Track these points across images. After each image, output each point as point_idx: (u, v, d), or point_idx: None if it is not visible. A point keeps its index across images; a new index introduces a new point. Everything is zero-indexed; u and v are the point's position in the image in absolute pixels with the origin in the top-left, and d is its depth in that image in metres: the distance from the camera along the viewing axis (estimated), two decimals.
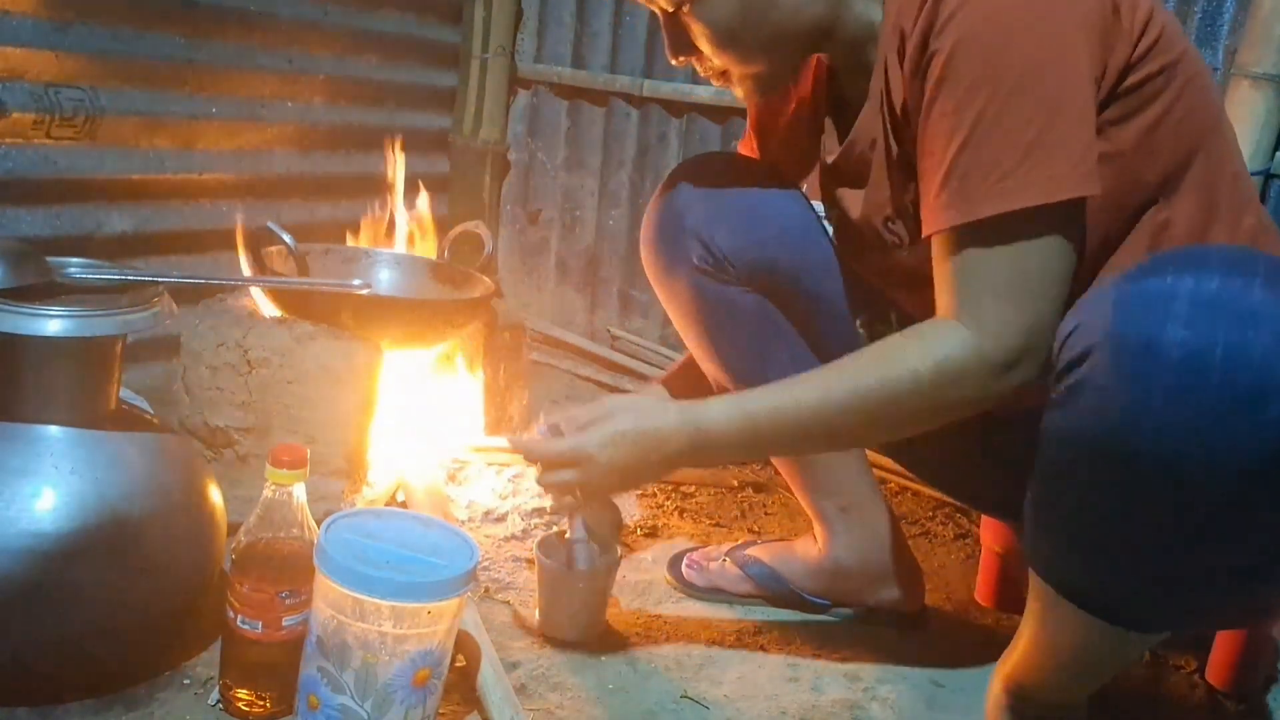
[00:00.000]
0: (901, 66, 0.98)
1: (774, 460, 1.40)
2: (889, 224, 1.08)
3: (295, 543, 0.97)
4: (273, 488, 0.96)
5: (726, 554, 1.39)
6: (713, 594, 1.37)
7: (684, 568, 1.40)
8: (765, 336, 1.26)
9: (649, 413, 1.04)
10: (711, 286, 1.24)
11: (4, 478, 0.92)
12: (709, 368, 1.31)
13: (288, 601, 0.96)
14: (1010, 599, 1.38)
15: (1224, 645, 1.26)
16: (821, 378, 0.99)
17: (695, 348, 1.31)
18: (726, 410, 1.01)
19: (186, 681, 1.03)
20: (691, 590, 1.38)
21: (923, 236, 0.96)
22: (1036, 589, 0.96)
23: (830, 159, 1.15)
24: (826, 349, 1.19)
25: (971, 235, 0.91)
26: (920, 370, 0.93)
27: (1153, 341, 0.77)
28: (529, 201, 2.50)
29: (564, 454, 1.05)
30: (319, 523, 0.97)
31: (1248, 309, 0.75)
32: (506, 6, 2.39)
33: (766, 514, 1.68)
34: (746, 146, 1.32)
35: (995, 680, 1.07)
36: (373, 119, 2.22)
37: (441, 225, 1.85)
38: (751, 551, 1.38)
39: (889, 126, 1.03)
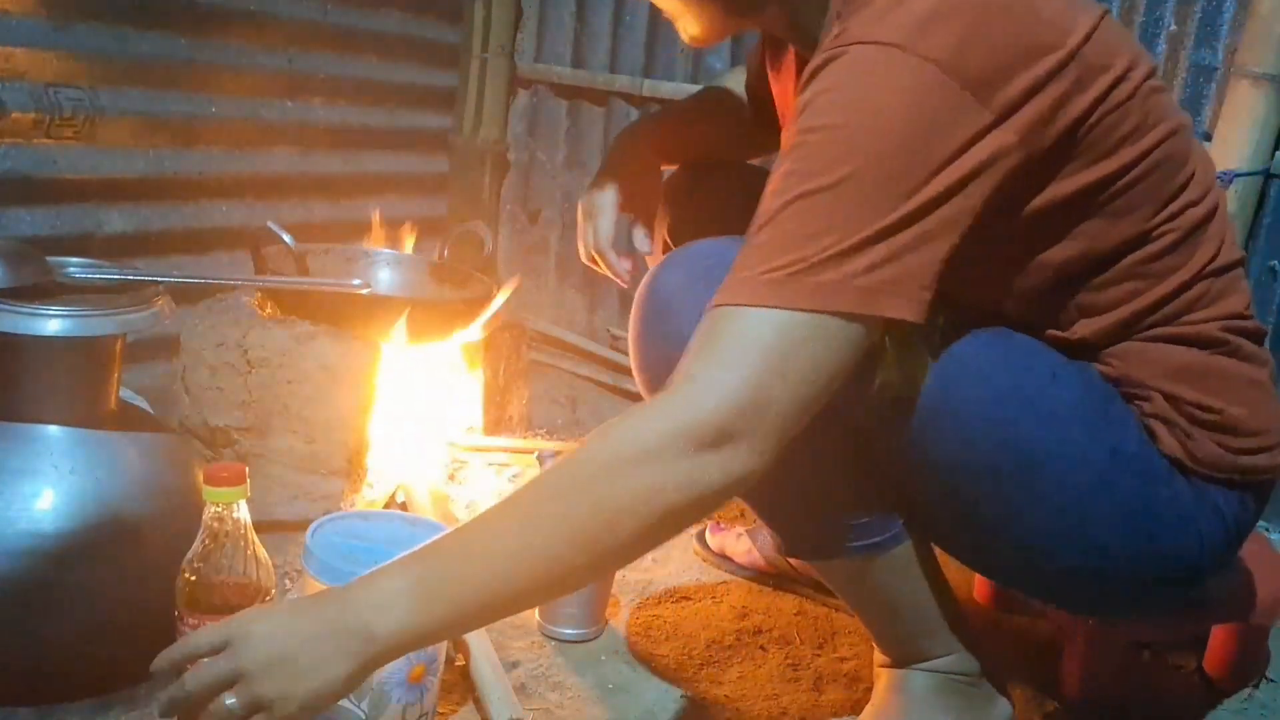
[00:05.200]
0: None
1: None
2: None
3: (244, 566, 0.91)
4: (213, 509, 0.90)
5: (747, 529, 1.47)
6: (718, 559, 1.47)
7: (708, 533, 1.50)
8: None
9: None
10: None
11: (4, 478, 0.92)
12: None
13: None
14: (1009, 598, 1.38)
15: (1220, 638, 1.27)
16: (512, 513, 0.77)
17: None
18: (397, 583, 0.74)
19: None
20: (704, 552, 1.48)
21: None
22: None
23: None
24: None
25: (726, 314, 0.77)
26: (595, 462, 0.75)
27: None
28: (529, 201, 2.50)
29: (206, 640, 0.75)
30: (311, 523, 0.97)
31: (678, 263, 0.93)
32: (506, 6, 2.39)
33: None
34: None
35: (878, 668, 1.08)
36: (373, 119, 2.21)
37: (438, 227, 1.85)
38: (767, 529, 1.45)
39: None
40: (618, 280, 1.23)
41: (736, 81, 1.32)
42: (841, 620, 1.35)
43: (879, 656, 1.08)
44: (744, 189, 1.15)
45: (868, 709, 1.08)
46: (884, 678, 1.07)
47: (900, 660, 1.06)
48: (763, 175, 1.07)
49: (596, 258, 1.23)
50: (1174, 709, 1.25)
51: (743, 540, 1.44)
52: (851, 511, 0.98)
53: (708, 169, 1.29)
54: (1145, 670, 1.31)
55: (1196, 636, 1.31)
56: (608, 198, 1.21)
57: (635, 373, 0.99)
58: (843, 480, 0.97)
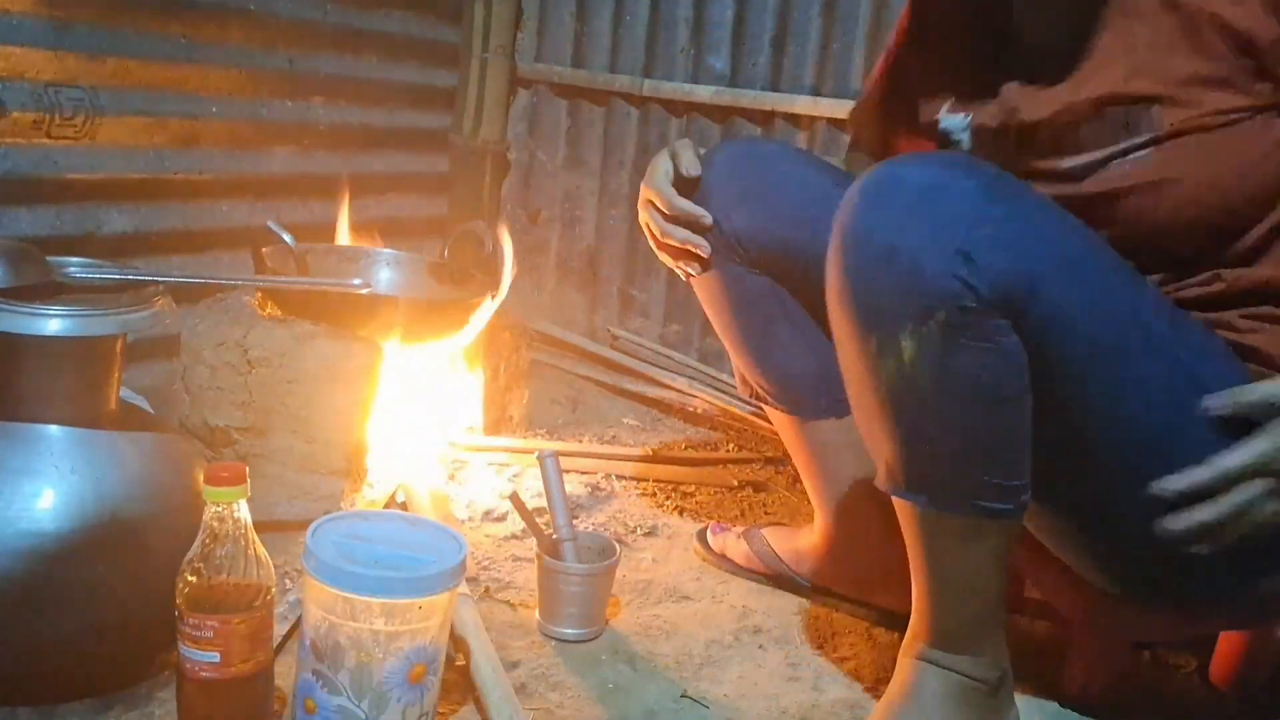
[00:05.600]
0: None
1: (787, 445, 1.39)
2: (1131, 107, 0.98)
3: (244, 566, 0.92)
4: (213, 509, 0.91)
5: (743, 531, 1.47)
6: (718, 559, 1.47)
7: (709, 533, 1.50)
8: (769, 319, 1.28)
9: None
10: (725, 267, 1.26)
11: (4, 477, 0.92)
12: (726, 344, 1.35)
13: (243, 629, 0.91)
14: (1013, 597, 1.38)
15: (1226, 644, 1.26)
16: None
17: (714, 323, 1.35)
18: None
19: None
20: (704, 552, 1.49)
21: None
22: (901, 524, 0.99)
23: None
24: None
25: None
26: None
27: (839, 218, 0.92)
28: (529, 201, 2.50)
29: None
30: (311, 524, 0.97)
31: (888, 181, 0.88)
32: (506, 6, 2.39)
33: (766, 514, 1.68)
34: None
35: (903, 658, 1.04)
36: (373, 119, 2.22)
37: (441, 225, 1.85)
38: (763, 530, 1.46)
39: None
40: (699, 219, 1.20)
41: None
42: (841, 620, 1.35)
43: (908, 641, 1.03)
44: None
45: (883, 699, 1.05)
46: (904, 670, 1.03)
47: (936, 640, 1.01)
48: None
49: (653, 198, 1.21)
50: (1174, 710, 1.25)
51: (743, 541, 1.44)
52: (1001, 467, 0.92)
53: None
54: (1146, 671, 1.31)
55: (1197, 638, 1.31)
56: (659, 159, 1.23)
57: (851, 303, 0.92)
58: (1012, 429, 0.92)
